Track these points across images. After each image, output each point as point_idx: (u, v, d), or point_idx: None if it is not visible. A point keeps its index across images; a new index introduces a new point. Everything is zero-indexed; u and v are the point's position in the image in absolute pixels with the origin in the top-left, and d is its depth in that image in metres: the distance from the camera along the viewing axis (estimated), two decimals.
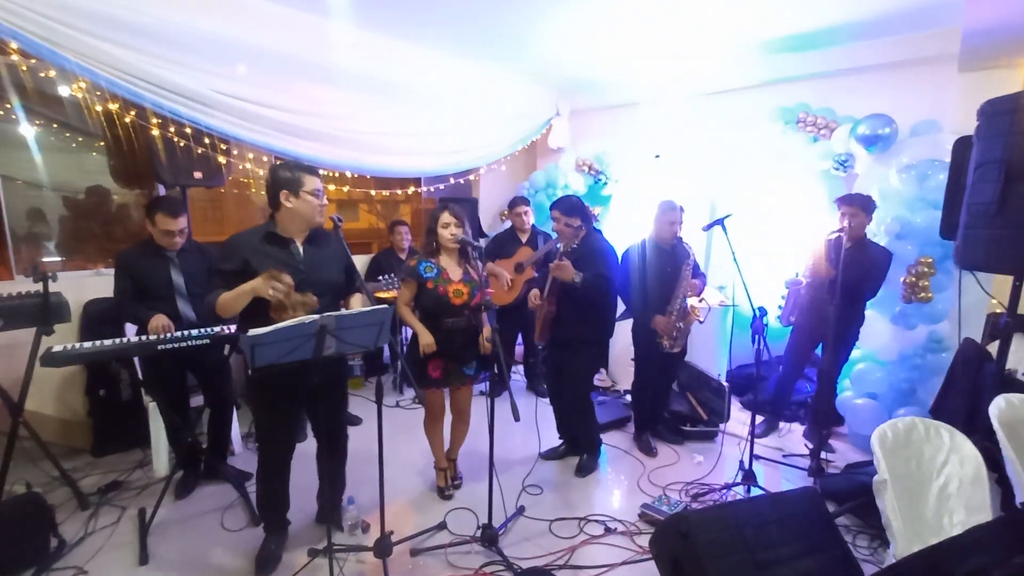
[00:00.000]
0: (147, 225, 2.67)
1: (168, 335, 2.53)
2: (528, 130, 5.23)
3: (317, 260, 2.18)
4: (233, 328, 2.61)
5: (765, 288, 4.20)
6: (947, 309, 3.13)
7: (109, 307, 2.95)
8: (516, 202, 4.38)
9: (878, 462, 1.74)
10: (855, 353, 3.45)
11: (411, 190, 4.96)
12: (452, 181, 4.94)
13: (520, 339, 4.56)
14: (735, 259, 2.84)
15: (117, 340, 2.51)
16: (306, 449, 2.51)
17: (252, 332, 1.70)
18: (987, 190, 1.91)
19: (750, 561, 1.67)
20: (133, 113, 2.89)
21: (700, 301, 3.35)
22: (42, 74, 2.70)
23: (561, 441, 3.35)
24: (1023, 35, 2.72)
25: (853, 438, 3.54)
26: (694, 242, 3.29)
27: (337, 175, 4.07)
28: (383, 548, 2.13)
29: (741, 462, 2.97)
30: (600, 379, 4.49)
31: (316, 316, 1.81)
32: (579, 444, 3.25)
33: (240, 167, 3.56)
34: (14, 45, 2.43)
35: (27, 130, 3.30)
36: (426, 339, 2.60)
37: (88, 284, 3.31)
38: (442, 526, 2.56)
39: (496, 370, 2.33)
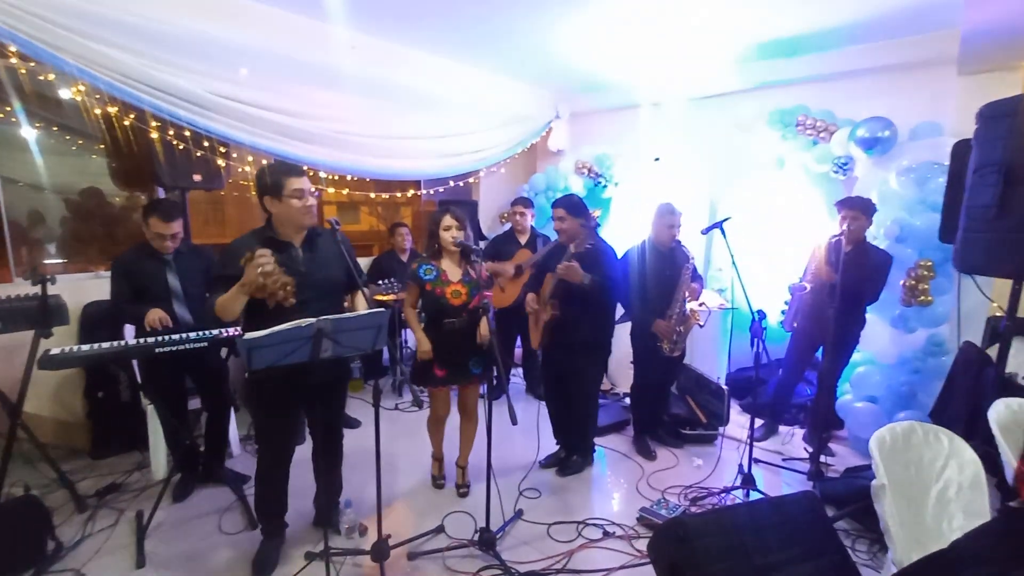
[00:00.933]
0: (143, 228, 2.67)
1: (168, 336, 2.52)
2: (528, 133, 5.24)
3: (317, 262, 2.17)
4: (231, 331, 2.61)
5: (764, 291, 4.20)
6: (947, 312, 3.12)
7: (108, 310, 2.96)
8: (517, 202, 4.36)
9: (877, 467, 1.73)
10: (855, 356, 3.44)
11: (411, 193, 4.97)
12: (452, 184, 4.95)
13: (519, 341, 4.55)
14: (734, 262, 2.84)
15: (115, 343, 2.50)
16: (304, 452, 2.50)
17: (249, 335, 1.70)
18: (986, 193, 1.90)
19: (748, 566, 1.66)
20: (132, 116, 2.90)
21: (700, 305, 3.34)
22: (41, 77, 2.71)
23: (559, 447, 3.33)
24: (1022, 38, 2.71)
25: (853, 442, 3.53)
26: (693, 245, 3.28)
27: (337, 178, 4.08)
28: (380, 552, 2.12)
29: (740, 466, 2.96)
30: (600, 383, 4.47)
31: (313, 319, 1.80)
32: (575, 446, 3.23)
33: (239, 170, 3.56)
34: (13, 48, 2.44)
35: (27, 132, 3.31)
36: (423, 347, 2.65)
37: (87, 287, 3.31)
38: (440, 530, 2.55)
39: (495, 373, 2.32)
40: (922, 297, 3.11)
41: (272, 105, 3.41)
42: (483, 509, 2.42)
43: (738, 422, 3.74)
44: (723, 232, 2.85)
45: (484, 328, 2.65)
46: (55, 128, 3.38)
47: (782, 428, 3.75)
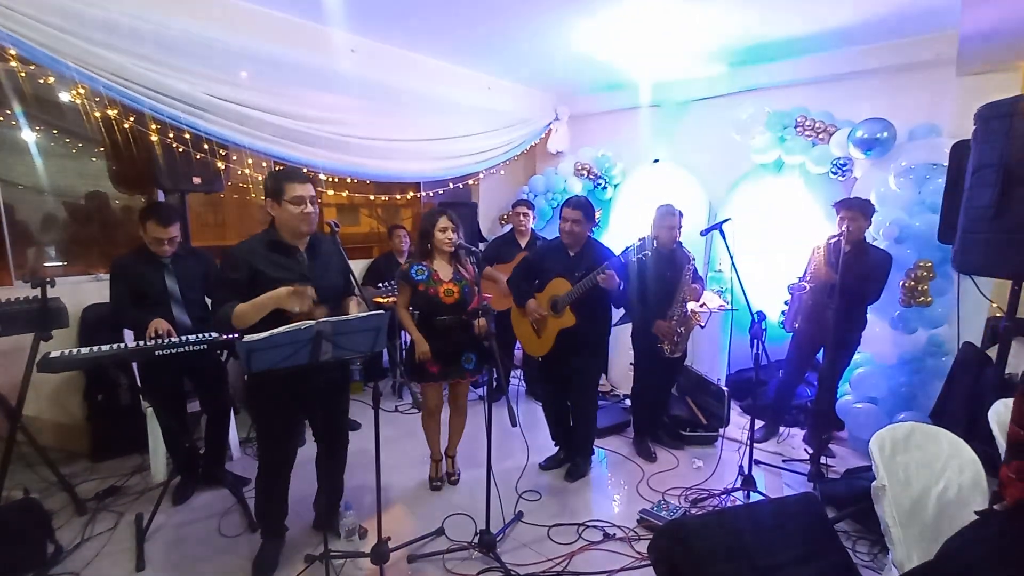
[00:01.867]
0: (140, 231, 2.68)
1: (167, 340, 2.53)
2: (527, 135, 5.25)
3: (321, 267, 2.19)
4: (230, 334, 2.61)
5: (764, 293, 4.20)
6: (947, 313, 3.12)
7: (108, 314, 2.95)
8: (519, 203, 4.35)
9: (877, 468, 1.73)
10: (855, 357, 3.44)
11: (411, 195, 4.97)
12: (451, 186, 4.96)
13: (519, 343, 4.54)
14: (733, 263, 2.84)
15: (115, 346, 2.51)
16: (303, 455, 2.50)
17: (248, 338, 1.70)
18: (985, 194, 1.90)
19: (749, 568, 1.65)
20: (132, 119, 2.90)
21: (701, 306, 3.34)
22: (41, 80, 2.72)
23: (558, 448, 3.32)
24: (1020, 39, 2.71)
25: (853, 443, 3.53)
26: (693, 247, 3.28)
27: (337, 180, 4.08)
28: (380, 554, 2.12)
29: (741, 467, 2.96)
30: (600, 384, 4.47)
31: (312, 322, 1.81)
32: (576, 447, 3.22)
33: (239, 172, 3.57)
34: (13, 51, 2.45)
35: (27, 135, 3.31)
36: (422, 347, 2.68)
37: (87, 289, 3.31)
38: (440, 532, 2.54)
39: (495, 375, 2.32)
40: (922, 298, 3.11)
41: (272, 107, 3.41)
42: (483, 511, 2.42)
43: (738, 423, 3.74)
44: (722, 234, 2.85)
45: (483, 320, 2.65)
46: (55, 131, 3.38)
47: (781, 429, 3.75)
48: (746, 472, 2.88)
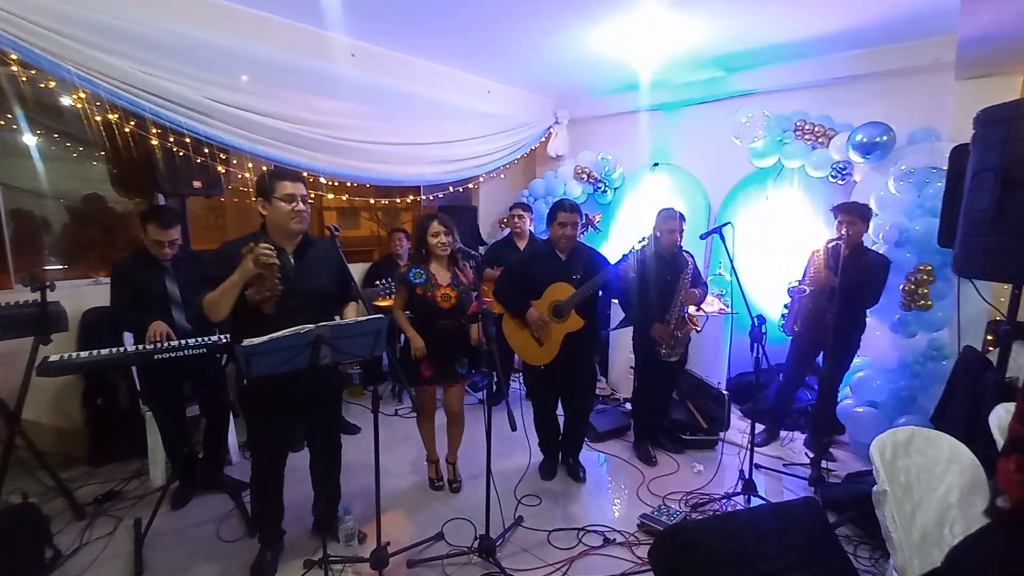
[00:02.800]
0: (141, 234, 2.68)
1: (167, 344, 2.52)
2: (527, 138, 5.26)
3: (307, 270, 2.14)
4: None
5: (764, 296, 4.20)
6: (947, 317, 3.12)
7: (107, 316, 2.95)
8: (516, 205, 4.40)
9: (877, 472, 1.72)
10: (855, 361, 3.43)
11: (411, 198, 4.98)
12: (451, 189, 4.96)
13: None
14: (733, 267, 2.84)
15: (114, 349, 2.51)
16: (304, 459, 2.50)
17: (248, 342, 1.70)
18: (984, 198, 1.90)
19: (750, 572, 1.65)
20: (133, 123, 2.91)
21: (698, 310, 3.34)
22: (42, 84, 2.72)
23: (544, 458, 3.25)
24: (1018, 44, 2.72)
25: (854, 446, 3.52)
26: (693, 250, 3.28)
27: (337, 184, 4.08)
28: (379, 559, 2.12)
29: (741, 471, 2.95)
30: (600, 388, 4.47)
31: (311, 326, 1.80)
32: (574, 449, 3.23)
33: (239, 176, 3.57)
34: (14, 56, 2.45)
35: (28, 139, 3.32)
36: (417, 343, 2.72)
37: (87, 293, 3.31)
38: (439, 537, 2.54)
39: (495, 379, 2.31)
40: (922, 301, 3.11)
41: (272, 111, 3.42)
42: (482, 516, 2.41)
43: (738, 427, 3.73)
44: (722, 237, 2.85)
45: (475, 332, 2.76)
46: (56, 135, 3.39)
47: (782, 433, 3.74)
48: (747, 476, 2.87)
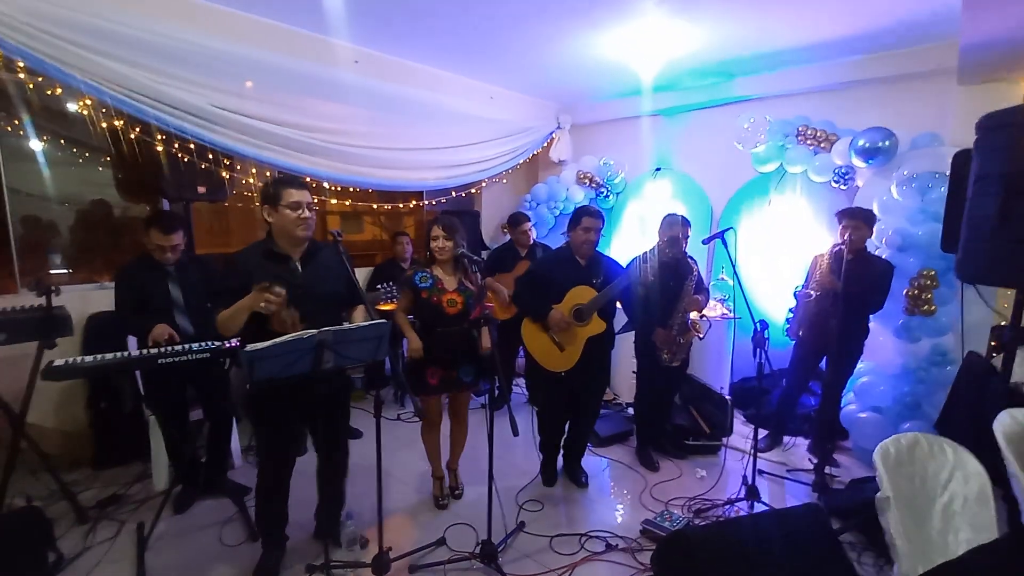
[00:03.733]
0: (144, 239, 2.69)
1: (170, 348, 2.53)
2: (530, 143, 5.27)
3: (315, 276, 2.17)
4: (234, 342, 2.62)
5: (767, 301, 4.19)
6: (951, 322, 3.11)
7: (112, 320, 2.97)
8: (519, 219, 4.30)
9: (881, 479, 1.72)
10: (859, 366, 3.42)
11: (414, 203, 5.00)
12: (454, 194, 4.98)
13: (521, 352, 4.54)
14: (736, 272, 2.84)
15: (118, 354, 2.51)
16: (306, 464, 2.50)
17: (251, 347, 1.71)
18: (987, 203, 1.90)
19: None
20: (138, 129, 2.93)
21: (701, 316, 3.33)
22: (49, 91, 2.75)
23: (543, 462, 3.23)
24: (1021, 49, 2.72)
25: (858, 452, 3.50)
26: (696, 255, 3.28)
27: (340, 188, 4.10)
28: (381, 565, 2.11)
29: (744, 477, 2.93)
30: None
31: (314, 331, 1.81)
32: (578, 454, 3.23)
33: (243, 181, 3.60)
34: (21, 63, 2.48)
35: (35, 145, 3.35)
36: (414, 344, 2.63)
37: (92, 298, 3.32)
38: (441, 542, 2.53)
39: (496, 384, 2.32)
40: (926, 307, 3.10)
41: (276, 118, 3.44)
42: (484, 521, 2.41)
43: (741, 432, 3.72)
44: (724, 243, 2.85)
45: (486, 340, 2.65)
46: (62, 140, 3.42)
47: (785, 438, 3.72)
48: (750, 482, 2.85)
